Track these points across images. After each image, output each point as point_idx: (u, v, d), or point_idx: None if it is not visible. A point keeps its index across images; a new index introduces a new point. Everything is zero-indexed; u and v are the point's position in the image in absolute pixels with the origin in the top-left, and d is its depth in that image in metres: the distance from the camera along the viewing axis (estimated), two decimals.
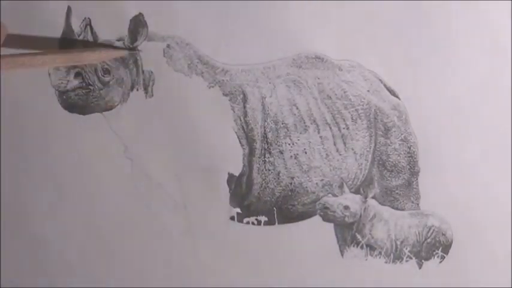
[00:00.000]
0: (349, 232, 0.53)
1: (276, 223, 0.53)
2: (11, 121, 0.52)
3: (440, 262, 0.53)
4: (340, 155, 0.53)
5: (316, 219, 0.53)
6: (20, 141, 0.52)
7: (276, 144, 0.53)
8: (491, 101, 0.52)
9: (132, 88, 0.52)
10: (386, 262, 0.53)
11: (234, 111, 0.52)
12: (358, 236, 0.53)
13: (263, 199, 0.53)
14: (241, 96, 0.52)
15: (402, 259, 0.53)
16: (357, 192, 0.53)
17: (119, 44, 0.51)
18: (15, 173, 0.52)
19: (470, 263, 0.53)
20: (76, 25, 0.51)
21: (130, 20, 0.51)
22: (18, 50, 0.49)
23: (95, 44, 0.51)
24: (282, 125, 0.53)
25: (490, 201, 0.53)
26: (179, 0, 0.51)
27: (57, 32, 0.51)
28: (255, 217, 0.53)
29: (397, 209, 0.53)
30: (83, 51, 0.50)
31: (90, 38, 0.51)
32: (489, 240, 0.53)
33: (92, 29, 0.51)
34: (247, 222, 0.53)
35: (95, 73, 0.51)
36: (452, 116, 0.52)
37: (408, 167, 0.53)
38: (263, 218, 0.53)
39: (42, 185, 0.52)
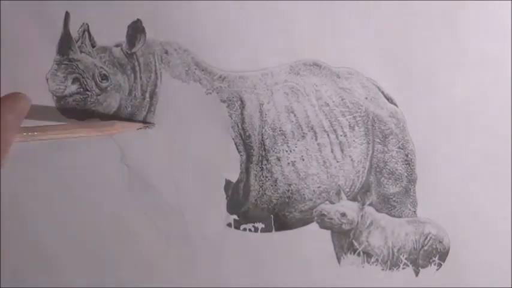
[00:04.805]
0: (346, 239, 0.53)
1: (273, 230, 0.53)
2: None
3: (437, 270, 0.53)
4: (338, 162, 0.53)
5: (313, 226, 0.53)
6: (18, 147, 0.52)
7: (274, 151, 0.52)
8: (490, 109, 0.52)
9: (129, 94, 0.52)
10: (383, 269, 0.53)
11: (232, 118, 0.52)
12: (355, 243, 0.53)
13: (260, 206, 0.53)
14: (239, 102, 0.52)
15: (399, 266, 0.53)
16: (354, 199, 0.53)
17: (116, 49, 0.51)
18: (13, 177, 0.52)
19: (467, 271, 0.53)
20: (74, 30, 0.51)
21: (128, 26, 0.51)
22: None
23: (111, 117, 0.51)
24: (279, 132, 0.52)
25: (488, 209, 0.53)
26: (177, 7, 0.51)
27: (56, 35, 0.51)
28: (252, 224, 0.53)
29: (394, 216, 0.53)
30: (103, 125, 0.51)
31: (87, 43, 0.51)
32: (487, 248, 0.53)
33: (89, 34, 0.51)
34: (244, 229, 0.53)
35: (93, 79, 0.51)
36: (450, 123, 0.52)
37: (405, 174, 0.53)
38: (260, 225, 0.53)
39: (41, 189, 0.52)
